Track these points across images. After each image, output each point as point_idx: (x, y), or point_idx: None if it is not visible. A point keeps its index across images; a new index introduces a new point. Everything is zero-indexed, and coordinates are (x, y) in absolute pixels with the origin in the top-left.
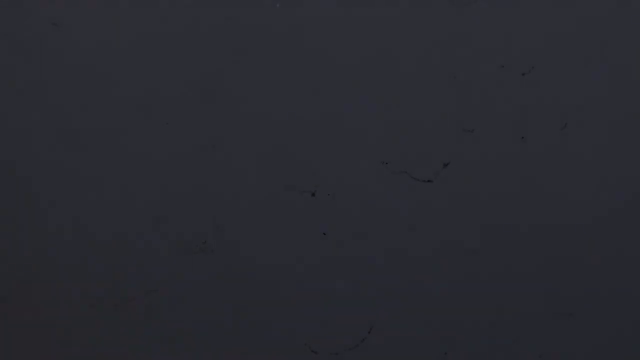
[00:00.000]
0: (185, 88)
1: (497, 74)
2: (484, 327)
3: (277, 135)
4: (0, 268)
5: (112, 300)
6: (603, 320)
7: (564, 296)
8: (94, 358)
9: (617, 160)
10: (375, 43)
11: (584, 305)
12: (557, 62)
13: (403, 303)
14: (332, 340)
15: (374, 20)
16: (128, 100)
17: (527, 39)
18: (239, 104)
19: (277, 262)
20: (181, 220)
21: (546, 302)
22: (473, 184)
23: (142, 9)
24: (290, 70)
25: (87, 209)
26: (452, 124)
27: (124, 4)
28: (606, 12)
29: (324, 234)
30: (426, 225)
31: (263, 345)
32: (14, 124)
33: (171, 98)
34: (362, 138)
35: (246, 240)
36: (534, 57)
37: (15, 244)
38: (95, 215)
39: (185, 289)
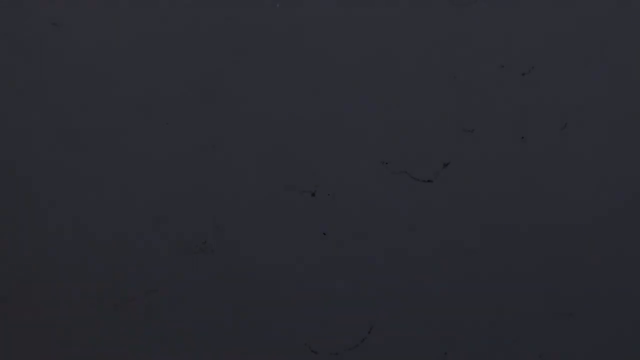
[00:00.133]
0: (185, 88)
1: (497, 74)
2: (484, 327)
3: (277, 135)
4: (0, 268)
5: (112, 300)
6: (603, 320)
7: (564, 296)
8: (94, 358)
9: (617, 160)
10: (375, 43)
11: (584, 305)
12: (557, 62)
13: (403, 303)
14: (332, 340)
15: (374, 20)
16: (128, 100)
17: (527, 39)
18: (239, 104)
19: (277, 262)
20: (181, 220)
21: (546, 302)
22: (473, 184)
23: (142, 9)
24: (290, 70)
25: (87, 209)
26: (452, 124)
27: (124, 4)
28: (606, 12)
29: (324, 234)
30: (426, 225)
31: (263, 345)
32: (14, 124)
33: (171, 98)
34: (362, 138)
35: (246, 240)
36: (534, 57)
37: (15, 244)
38: (95, 215)
39: (185, 289)
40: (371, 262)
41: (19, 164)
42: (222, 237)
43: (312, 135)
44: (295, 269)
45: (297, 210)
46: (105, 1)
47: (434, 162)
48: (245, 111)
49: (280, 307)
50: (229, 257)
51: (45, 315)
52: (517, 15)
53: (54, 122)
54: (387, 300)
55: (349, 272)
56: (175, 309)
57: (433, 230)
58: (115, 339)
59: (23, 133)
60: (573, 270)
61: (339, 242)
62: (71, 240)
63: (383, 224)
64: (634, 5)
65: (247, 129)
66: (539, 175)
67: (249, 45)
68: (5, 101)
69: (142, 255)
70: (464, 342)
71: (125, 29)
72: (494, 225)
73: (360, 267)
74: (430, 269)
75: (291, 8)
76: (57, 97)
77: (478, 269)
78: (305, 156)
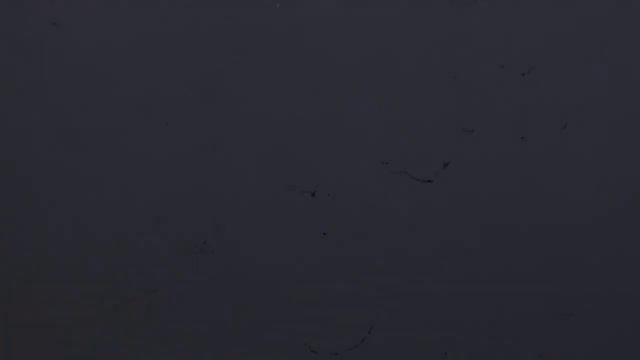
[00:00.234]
0: (185, 88)
1: (497, 74)
2: (484, 327)
3: (277, 135)
4: (0, 268)
5: (112, 300)
6: (603, 320)
7: (564, 296)
8: (94, 358)
9: (617, 160)
10: (375, 43)
11: (584, 305)
12: (557, 62)
13: (403, 303)
14: (332, 340)
15: (374, 20)
16: (128, 100)
17: (527, 39)
18: (239, 104)
19: (277, 262)
20: (181, 220)
21: (546, 302)
22: (473, 184)
23: (142, 9)
24: (290, 70)
25: (87, 209)
26: (452, 124)
27: (124, 4)
28: (606, 12)
29: (324, 234)
30: (426, 225)
31: (263, 345)
32: (14, 124)
33: (171, 98)
34: (362, 138)
35: (246, 240)
36: (534, 57)
37: (15, 244)
38: (95, 215)
39: (185, 289)
40: (371, 262)
41: (19, 164)
42: (222, 237)
43: (312, 135)
44: (295, 269)
45: (297, 210)
46: (105, 1)
47: (434, 162)
48: (245, 111)
49: (280, 307)
50: (229, 257)
51: (45, 315)
52: (517, 15)
53: (54, 122)
54: (387, 300)
55: (349, 272)
56: (175, 309)
57: (433, 230)
58: (115, 339)
59: (23, 133)
60: (573, 270)
61: (339, 242)
62: (71, 240)
63: (383, 224)
64: (634, 5)
65: (247, 129)
66: (539, 175)
67: (249, 45)
68: (5, 101)
69: (142, 255)
70: (464, 342)
71: (125, 29)
72: (494, 225)
73: (360, 267)
74: (430, 269)
75: (291, 8)
76: (57, 97)
77: (478, 269)
78: (305, 156)
